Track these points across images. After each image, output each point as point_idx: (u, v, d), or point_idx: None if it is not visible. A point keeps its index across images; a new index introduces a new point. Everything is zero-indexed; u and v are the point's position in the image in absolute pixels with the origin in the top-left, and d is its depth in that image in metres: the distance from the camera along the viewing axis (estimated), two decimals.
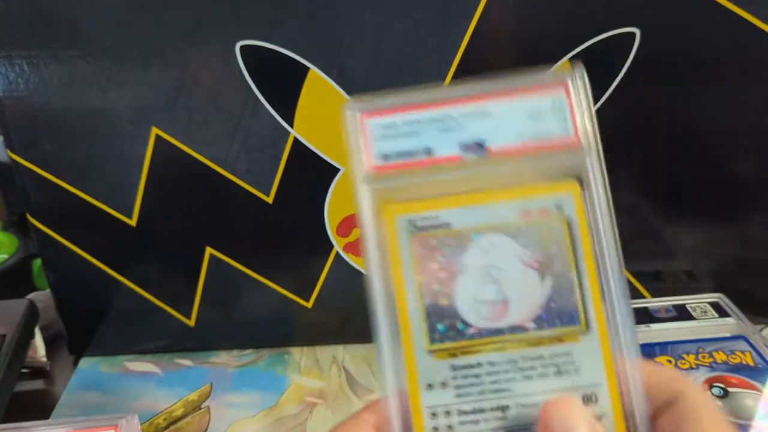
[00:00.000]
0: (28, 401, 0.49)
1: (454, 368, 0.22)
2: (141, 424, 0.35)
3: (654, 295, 0.49)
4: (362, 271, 0.48)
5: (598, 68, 0.42)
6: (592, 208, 0.22)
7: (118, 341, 0.52)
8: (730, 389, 0.40)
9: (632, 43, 0.41)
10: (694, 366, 0.42)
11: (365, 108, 0.23)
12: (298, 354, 0.52)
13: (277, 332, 0.52)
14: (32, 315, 0.49)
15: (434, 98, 0.23)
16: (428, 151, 0.23)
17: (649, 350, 0.43)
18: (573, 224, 0.22)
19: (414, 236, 0.22)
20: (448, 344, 0.22)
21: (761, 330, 0.48)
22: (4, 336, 0.45)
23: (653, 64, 0.41)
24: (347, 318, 0.51)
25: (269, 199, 0.45)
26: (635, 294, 0.50)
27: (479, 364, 0.22)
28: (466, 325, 0.22)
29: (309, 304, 0.50)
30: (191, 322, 0.50)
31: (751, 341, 0.44)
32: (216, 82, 0.41)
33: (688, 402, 0.20)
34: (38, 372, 0.51)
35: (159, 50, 0.40)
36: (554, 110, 0.23)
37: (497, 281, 0.22)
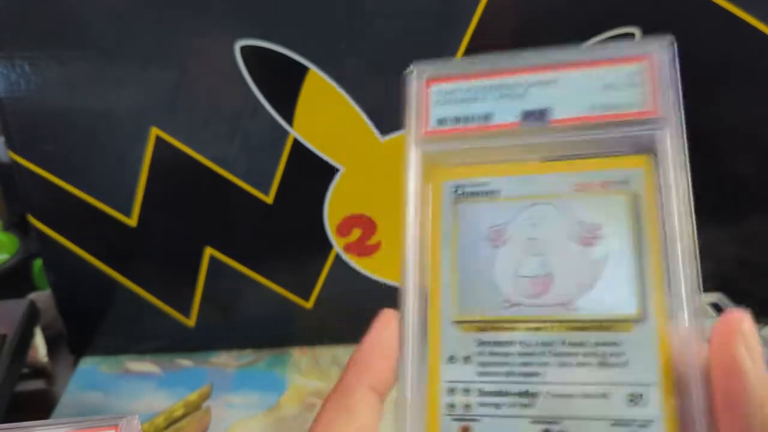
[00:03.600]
0: (28, 401, 0.49)
1: (480, 343, 0.19)
2: (141, 424, 0.35)
3: None
4: (361, 271, 0.48)
5: None
6: (666, 187, 0.19)
7: (118, 341, 0.52)
8: None
9: None
10: None
11: (430, 74, 0.22)
12: (298, 354, 0.51)
13: (277, 332, 0.51)
14: (32, 315, 0.49)
15: (504, 66, 0.21)
16: (486, 117, 0.21)
17: None
18: (640, 201, 0.19)
19: (459, 202, 0.21)
20: (477, 317, 0.19)
21: (761, 329, 0.48)
22: (4, 336, 0.45)
23: None
24: (347, 318, 0.51)
25: (269, 200, 0.45)
26: None
27: (510, 343, 0.19)
28: (502, 299, 0.20)
29: (309, 304, 0.50)
30: (191, 322, 0.50)
31: None
32: (216, 82, 0.41)
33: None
34: (38, 372, 0.51)
35: (159, 50, 0.40)
36: (632, 82, 0.20)
37: (542, 255, 0.20)
